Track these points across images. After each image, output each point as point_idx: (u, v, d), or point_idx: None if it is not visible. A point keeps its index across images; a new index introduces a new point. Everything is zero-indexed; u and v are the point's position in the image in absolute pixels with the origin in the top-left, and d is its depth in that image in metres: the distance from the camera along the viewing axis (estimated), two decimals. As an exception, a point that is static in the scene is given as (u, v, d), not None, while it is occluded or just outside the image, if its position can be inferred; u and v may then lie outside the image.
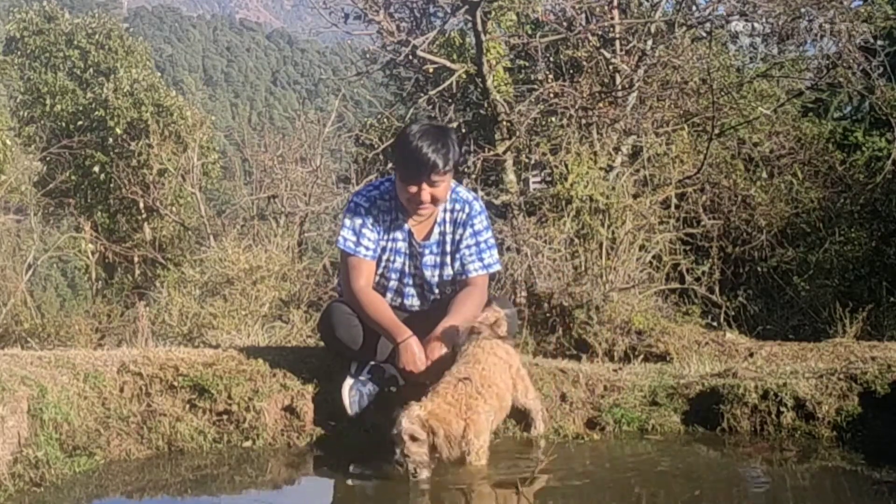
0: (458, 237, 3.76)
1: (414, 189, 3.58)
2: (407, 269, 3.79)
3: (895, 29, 10.33)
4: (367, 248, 3.71)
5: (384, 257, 3.76)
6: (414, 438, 3.14)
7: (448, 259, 3.78)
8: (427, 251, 3.76)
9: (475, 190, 8.21)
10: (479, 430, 3.29)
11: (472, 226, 3.76)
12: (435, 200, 3.63)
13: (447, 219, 3.77)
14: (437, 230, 3.77)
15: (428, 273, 3.78)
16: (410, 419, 3.15)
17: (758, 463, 3.52)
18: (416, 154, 3.53)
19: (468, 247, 3.76)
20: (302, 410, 3.73)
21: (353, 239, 3.70)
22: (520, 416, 3.73)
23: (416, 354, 3.48)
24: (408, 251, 3.77)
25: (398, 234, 3.75)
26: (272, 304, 7.37)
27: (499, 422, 3.52)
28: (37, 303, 11.03)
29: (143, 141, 16.08)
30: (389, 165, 9.63)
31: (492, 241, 3.82)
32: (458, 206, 3.77)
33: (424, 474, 3.16)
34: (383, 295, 3.78)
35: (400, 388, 3.68)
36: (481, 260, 3.77)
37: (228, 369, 3.79)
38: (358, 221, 3.70)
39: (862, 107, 11.41)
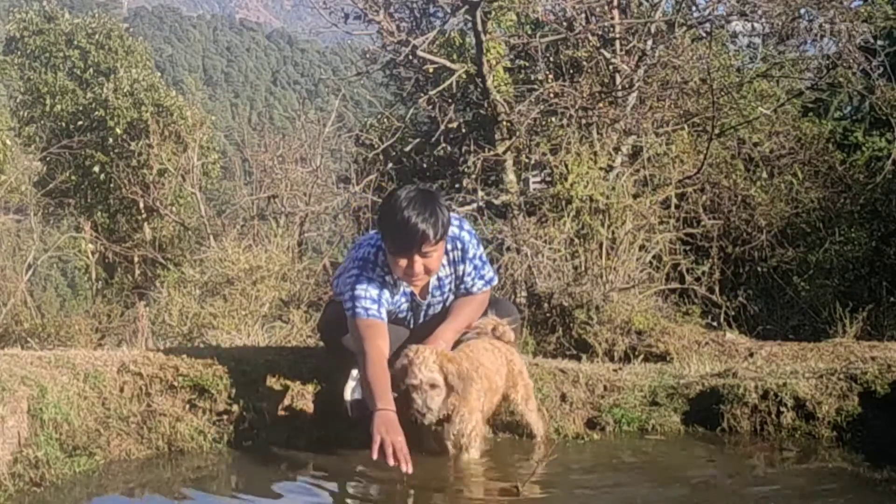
0: (460, 272, 3.66)
1: (404, 262, 3.39)
2: (409, 318, 3.73)
3: (895, 29, 10.32)
4: (386, 311, 3.54)
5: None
6: (434, 386, 3.18)
7: (451, 294, 3.70)
8: (429, 300, 3.68)
9: (475, 190, 8.22)
10: (472, 407, 3.29)
11: (466, 258, 3.63)
12: (428, 271, 3.45)
13: (444, 262, 3.61)
14: (433, 278, 3.62)
15: (431, 311, 3.72)
16: (428, 367, 3.18)
17: (758, 463, 3.52)
18: (403, 225, 3.31)
19: (468, 274, 3.67)
20: (302, 410, 3.72)
21: (375, 307, 3.46)
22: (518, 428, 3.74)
23: (392, 424, 3.12)
24: (410, 307, 3.70)
25: (401, 299, 3.64)
26: (272, 304, 7.38)
27: (489, 407, 3.48)
28: (37, 303, 11.03)
29: (143, 141, 16.06)
30: (389, 165, 9.63)
31: (484, 256, 3.73)
32: (449, 246, 3.59)
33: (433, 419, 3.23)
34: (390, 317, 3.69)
35: (401, 392, 3.67)
36: (482, 278, 3.69)
37: (228, 369, 3.79)
38: (374, 291, 3.47)
39: (862, 107, 11.40)
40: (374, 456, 3.01)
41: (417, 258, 3.38)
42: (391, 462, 2.99)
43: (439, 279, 3.65)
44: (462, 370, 3.23)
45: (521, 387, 3.57)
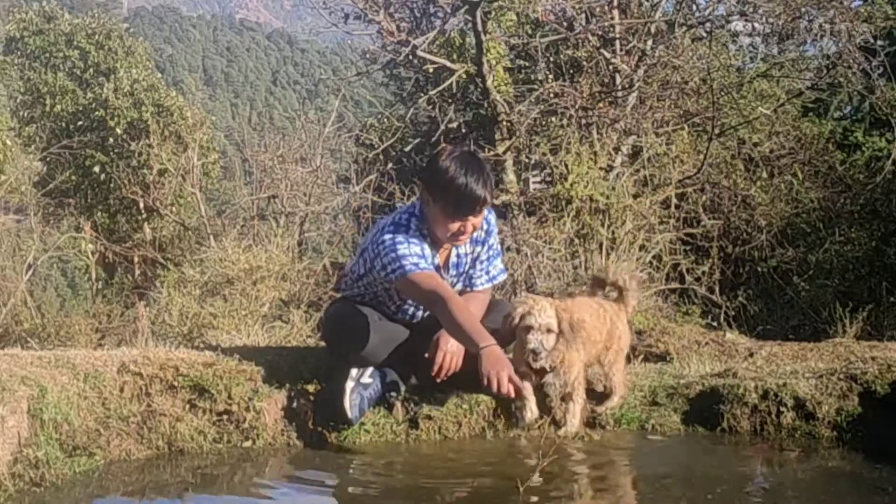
0: (476, 254, 3.76)
1: (457, 225, 3.53)
2: None
3: (895, 29, 10.32)
4: (433, 264, 3.62)
5: None
6: (549, 330, 3.38)
7: (462, 277, 3.78)
8: (446, 275, 3.74)
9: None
10: (574, 358, 3.50)
11: (488, 241, 3.77)
12: (474, 229, 3.61)
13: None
14: (454, 253, 3.73)
15: None
16: (546, 313, 3.38)
17: (758, 463, 3.52)
18: (465, 191, 3.45)
19: (480, 261, 3.77)
20: (302, 410, 3.73)
21: (424, 262, 3.52)
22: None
23: (500, 358, 3.23)
24: None
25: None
26: (272, 304, 7.37)
27: (588, 359, 3.63)
28: (37, 303, 11.01)
29: (143, 141, 16.05)
30: (389, 165, 9.63)
31: (499, 248, 3.84)
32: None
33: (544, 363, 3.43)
34: (398, 313, 3.76)
35: (401, 394, 3.68)
36: (487, 273, 3.79)
37: (228, 369, 3.78)
38: (417, 248, 3.55)
39: (862, 107, 11.41)
40: (495, 390, 3.17)
41: (471, 218, 3.53)
42: (503, 391, 3.16)
43: (458, 256, 3.74)
44: (574, 320, 3.42)
45: (613, 351, 3.71)
